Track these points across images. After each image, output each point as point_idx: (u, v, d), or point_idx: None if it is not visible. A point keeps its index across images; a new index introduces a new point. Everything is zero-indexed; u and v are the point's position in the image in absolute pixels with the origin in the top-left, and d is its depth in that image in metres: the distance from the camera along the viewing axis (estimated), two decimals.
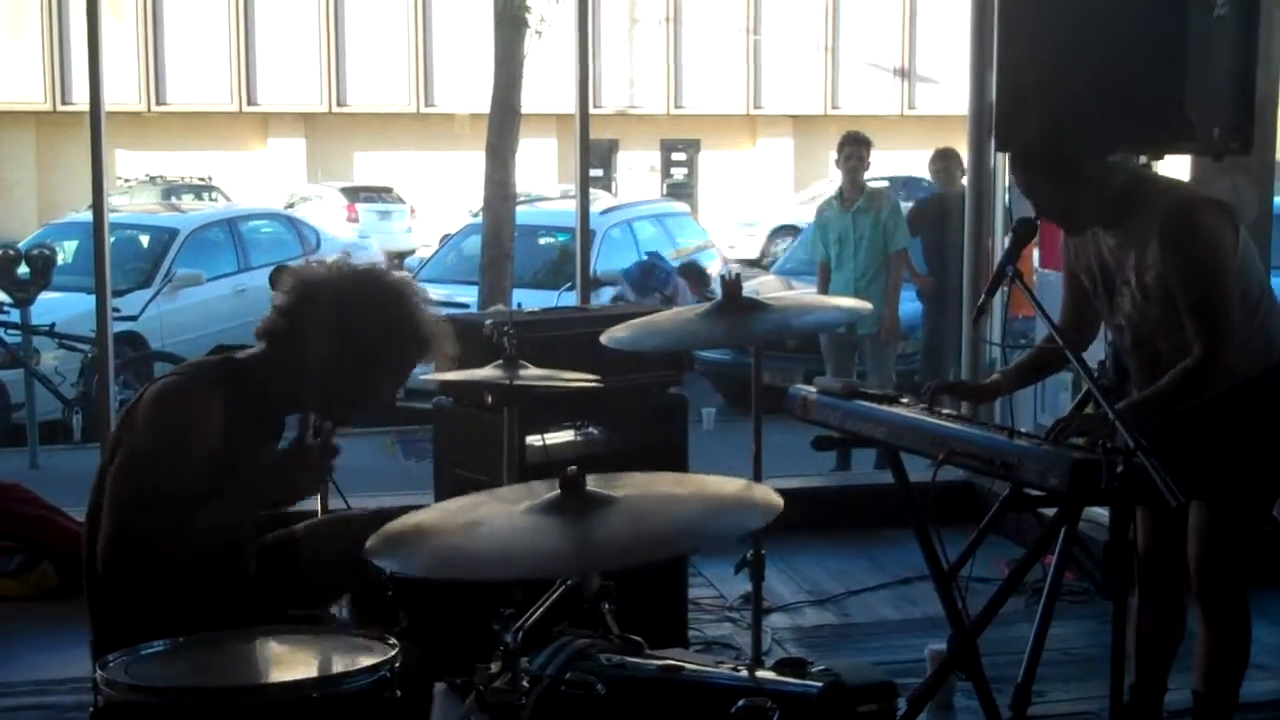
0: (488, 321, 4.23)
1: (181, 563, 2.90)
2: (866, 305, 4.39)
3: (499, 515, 2.51)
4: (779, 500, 2.52)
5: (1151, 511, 3.69)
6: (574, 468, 2.43)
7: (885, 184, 9.11)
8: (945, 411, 3.75)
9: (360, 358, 3.06)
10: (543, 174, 27.82)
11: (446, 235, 15.18)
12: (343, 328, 3.03)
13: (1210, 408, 3.50)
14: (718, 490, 2.66)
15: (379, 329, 3.06)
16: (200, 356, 3.23)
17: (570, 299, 8.77)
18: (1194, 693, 3.76)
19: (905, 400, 3.88)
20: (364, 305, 3.06)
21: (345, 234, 17.40)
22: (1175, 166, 4.88)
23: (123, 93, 27.39)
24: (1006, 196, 6.55)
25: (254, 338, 3.15)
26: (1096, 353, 3.94)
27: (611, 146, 32.41)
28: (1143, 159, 4.21)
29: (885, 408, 3.78)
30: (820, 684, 2.58)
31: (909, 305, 10.09)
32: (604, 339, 3.75)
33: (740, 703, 2.48)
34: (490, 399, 4.18)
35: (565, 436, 4.58)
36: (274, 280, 3.30)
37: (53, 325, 9.56)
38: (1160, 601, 3.79)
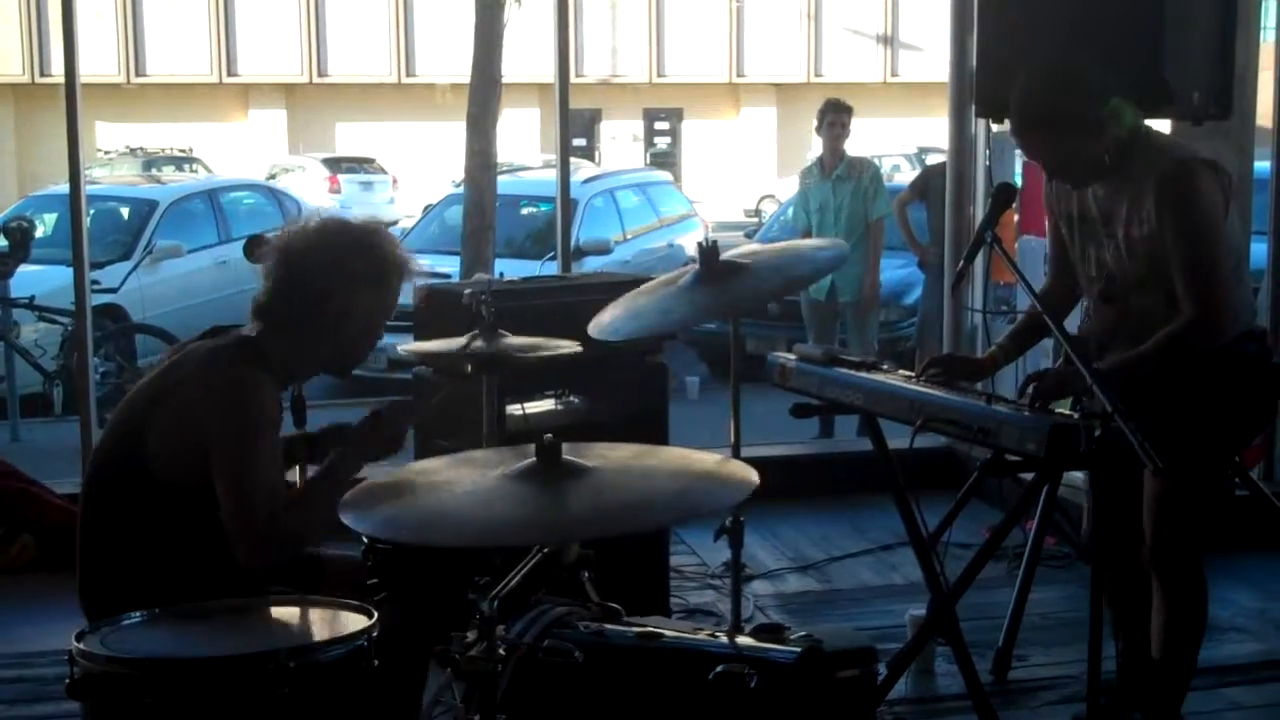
0: (467, 291, 4.21)
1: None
2: (843, 244, 4.35)
3: (470, 478, 2.50)
4: (754, 476, 2.52)
5: (1119, 478, 3.70)
6: (549, 435, 2.42)
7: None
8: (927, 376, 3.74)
9: (355, 303, 3.11)
10: (525, 143, 27.80)
11: (429, 205, 15.12)
12: (331, 280, 3.08)
13: (1173, 375, 3.49)
14: (694, 466, 2.64)
15: (363, 271, 3.11)
16: (218, 339, 3.16)
17: (553, 269, 8.75)
18: (1151, 659, 3.77)
19: (885, 366, 3.88)
20: (344, 253, 3.11)
21: (327, 205, 17.32)
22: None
23: (102, 64, 27.26)
24: (987, 163, 6.54)
25: (252, 317, 3.14)
26: (1076, 316, 3.94)
27: (594, 116, 32.34)
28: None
29: (864, 374, 3.77)
30: (799, 649, 2.58)
31: (899, 273, 10.07)
32: (591, 331, 3.73)
33: (718, 669, 2.48)
34: (470, 368, 4.17)
35: (546, 405, 4.57)
36: (248, 250, 3.29)
37: (32, 298, 9.50)
38: (1122, 566, 3.79)
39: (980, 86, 4.47)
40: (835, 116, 8.34)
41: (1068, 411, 3.40)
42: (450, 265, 11.35)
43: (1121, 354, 3.52)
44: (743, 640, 2.68)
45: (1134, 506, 3.65)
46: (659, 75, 32.50)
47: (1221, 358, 3.51)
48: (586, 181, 13.42)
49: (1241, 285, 3.62)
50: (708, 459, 2.69)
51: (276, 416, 3.02)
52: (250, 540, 2.86)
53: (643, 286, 3.98)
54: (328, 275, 3.08)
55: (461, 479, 2.53)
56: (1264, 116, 5.84)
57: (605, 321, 3.75)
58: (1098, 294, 3.66)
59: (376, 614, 2.54)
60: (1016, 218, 6.35)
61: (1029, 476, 3.89)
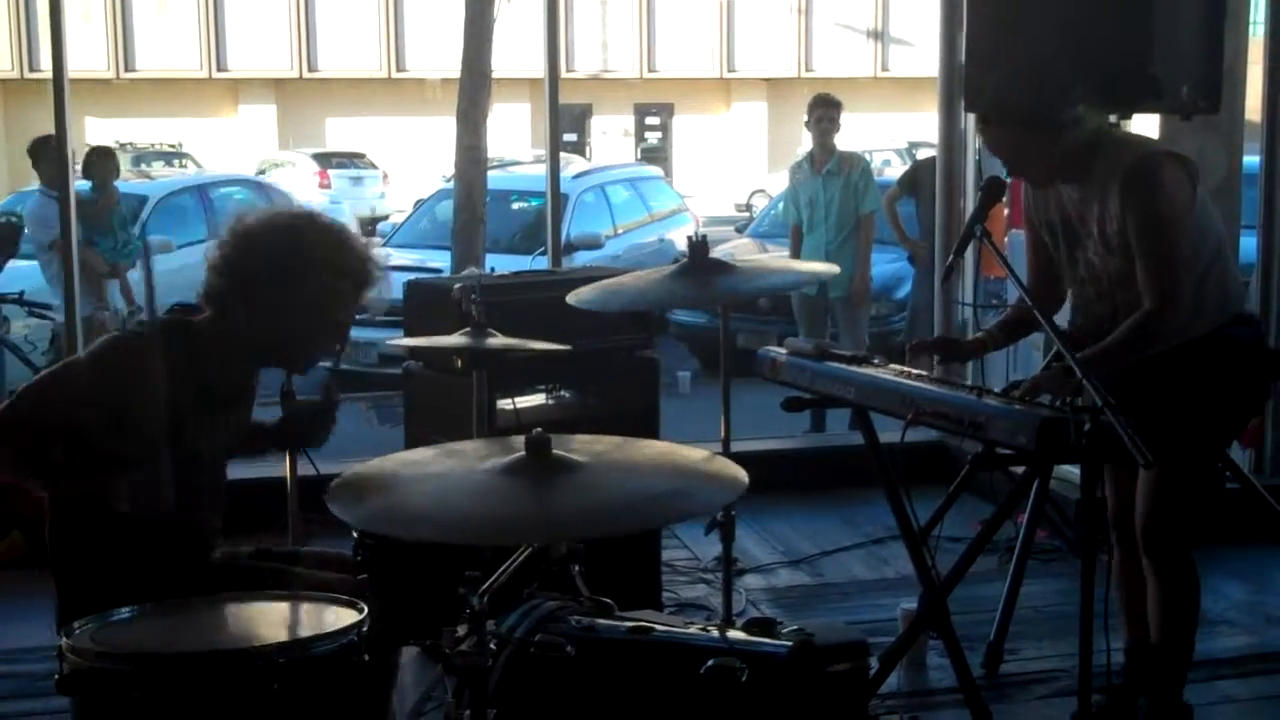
0: (456, 285, 4.21)
1: (120, 522, 2.88)
2: (834, 268, 4.40)
3: (459, 471, 2.49)
4: (744, 477, 2.51)
5: (1122, 469, 3.72)
6: (539, 429, 2.41)
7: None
8: (916, 372, 3.75)
9: (300, 304, 3.02)
10: (516, 138, 27.74)
11: (419, 201, 15.10)
12: (278, 276, 3.00)
13: (1163, 363, 3.52)
14: (683, 465, 2.63)
15: (315, 272, 3.02)
16: (158, 316, 3.18)
17: (544, 264, 8.75)
18: (1151, 645, 3.79)
19: (876, 361, 3.88)
20: (296, 251, 3.03)
21: (317, 200, 17.30)
22: (1144, 126, 4.88)
23: (91, 59, 27.18)
24: (977, 157, 6.54)
25: (204, 302, 3.11)
26: (1066, 311, 3.95)
27: (585, 111, 32.31)
28: (1112, 118, 4.21)
29: (855, 368, 3.77)
30: (790, 643, 2.58)
31: (890, 267, 10.07)
32: (570, 299, 3.75)
33: (710, 663, 2.48)
34: (459, 363, 4.17)
35: (536, 400, 4.57)
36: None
37: (21, 293, 9.48)
38: (1131, 556, 3.81)
39: (969, 81, 4.46)
40: (824, 112, 8.34)
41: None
42: (441, 260, 11.34)
43: (1090, 348, 3.53)
44: (734, 634, 2.67)
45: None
46: (650, 70, 32.47)
47: (1215, 342, 3.55)
48: (577, 176, 13.41)
49: (1226, 271, 3.64)
50: (697, 455, 2.67)
51: (139, 392, 2.90)
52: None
53: (629, 274, 4.01)
54: (286, 260, 3.00)
55: (449, 471, 2.52)
56: (1253, 111, 5.84)
57: (585, 295, 3.77)
58: (1092, 295, 3.68)
59: (367, 609, 2.54)
60: (1006, 212, 6.36)
61: (1020, 470, 3.89)
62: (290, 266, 3.00)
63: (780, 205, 12.14)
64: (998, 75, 3.60)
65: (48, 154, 8.33)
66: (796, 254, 8.42)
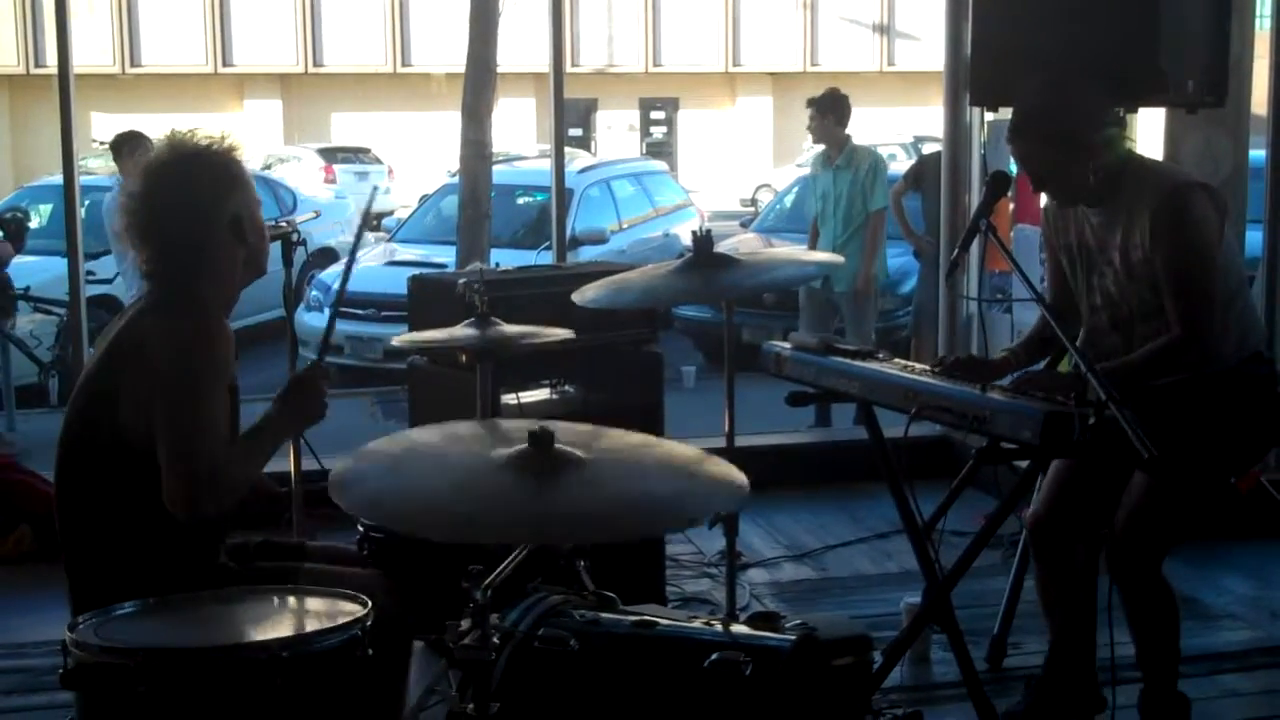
0: (460, 280, 4.21)
1: (136, 513, 2.87)
2: (838, 259, 4.38)
3: (462, 461, 2.49)
4: (744, 481, 2.49)
5: (1056, 481, 3.75)
6: (541, 424, 2.41)
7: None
8: (920, 366, 3.75)
9: (233, 213, 3.10)
10: (521, 133, 27.75)
11: (424, 195, 15.11)
12: (199, 213, 3.07)
13: (1175, 393, 3.50)
14: (685, 466, 2.60)
15: (215, 185, 3.16)
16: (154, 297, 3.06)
17: (549, 259, 8.75)
18: (1135, 649, 3.79)
19: (881, 355, 3.87)
20: (193, 187, 3.13)
21: (322, 195, 17.30)
22: (1150, 119, 4.88)
23: (97, 55, 27.20)
24: (983, 151, 6.53)
25: (152, 284, 3.07)
26: None
27: (590, 105, 32.31)
28: (1119, 111, 4.20)
29: (859, 363, 3.77)
30: (794, 637, 2.58)
31: (895, 262, 10.05)
32: (575, 298, 3.75)
33: (713, 657, 2.48)
34: (464, 357, 4.17)
35: (541, 395, 4.57)
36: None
37: (27, 289, 9.50)
38: (1059, 558, 3.84)
39: (975, 75, 4.45)
40: (810, 111, 8.36)
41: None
42: (446, 256, 11.35)
43: (1109, 362, 3.52)
44: (738, 628, 2.68)
45: (1091, 502, 3.68)
46: (655, 65, 32.45)
47: (1230, 378, 3.54)
48: (582, 171, 13.43)
49: (1247, 307, 3.63)
50: (698, 456, 2.64)
51: (229, 361, 2.93)
52: (191, 489, 2.77)
53: (634, 270, 4.00)
54: (195, 208, 3.06)
55: (452, 461, 2.50)
56: (1259, 104, 5.83)
57: (590, 294, 3.77)
58: (1106, 323, 3.67)
59: (370, 603, 2.55)
60: (1011, 206, 6.35)
61: (1024, 464, 3.89)
62: (207, 213, 3.07)
63: (786, 199, 12.13)
64: (1038, 87, 3.57)
65: (131, 149, 8.42)
66: (814, 246, 8.39)
